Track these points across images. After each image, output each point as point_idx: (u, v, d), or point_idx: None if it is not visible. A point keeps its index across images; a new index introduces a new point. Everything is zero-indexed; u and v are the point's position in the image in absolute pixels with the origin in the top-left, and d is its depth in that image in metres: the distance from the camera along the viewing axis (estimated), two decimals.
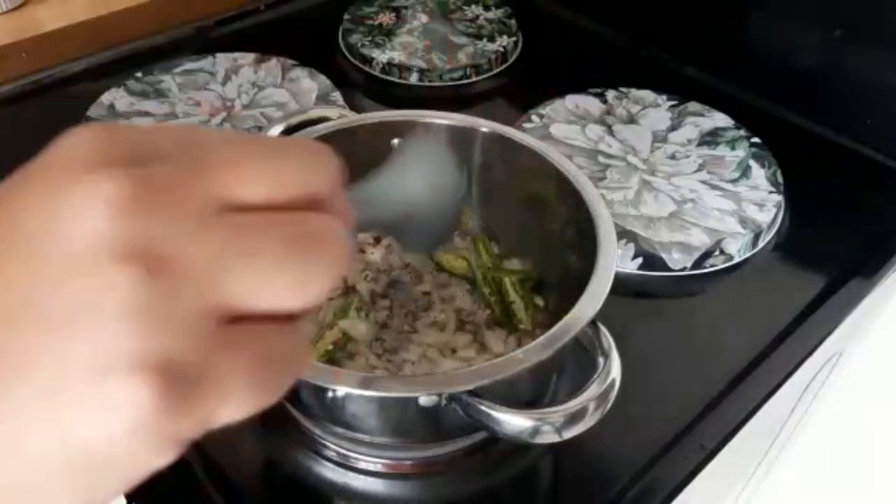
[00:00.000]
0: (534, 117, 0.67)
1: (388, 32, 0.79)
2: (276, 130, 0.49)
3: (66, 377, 0.16)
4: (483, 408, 0.34)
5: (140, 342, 0.17)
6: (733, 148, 0.64)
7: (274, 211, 0.19)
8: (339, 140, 0.49)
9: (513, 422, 0.34)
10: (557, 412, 0.34)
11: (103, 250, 0.17)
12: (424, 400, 0.35)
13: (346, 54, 0.78)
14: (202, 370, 0.18)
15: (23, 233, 0.17)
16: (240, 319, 0.18)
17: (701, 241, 0.55)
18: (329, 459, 0.44)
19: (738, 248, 0.55)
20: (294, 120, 0.50)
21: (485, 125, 0.49)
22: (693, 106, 0.69)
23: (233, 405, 0.18)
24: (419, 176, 0.39)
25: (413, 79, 0.74)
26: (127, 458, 0.18)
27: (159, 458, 0.18)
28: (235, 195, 0.18)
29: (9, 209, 0.17)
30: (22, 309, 0.17)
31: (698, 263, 0.55)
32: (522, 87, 0.75)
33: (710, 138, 0.65)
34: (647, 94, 0.70)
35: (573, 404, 0.34)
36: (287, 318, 0.19)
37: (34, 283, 0.17)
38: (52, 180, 0.17)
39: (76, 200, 0.17)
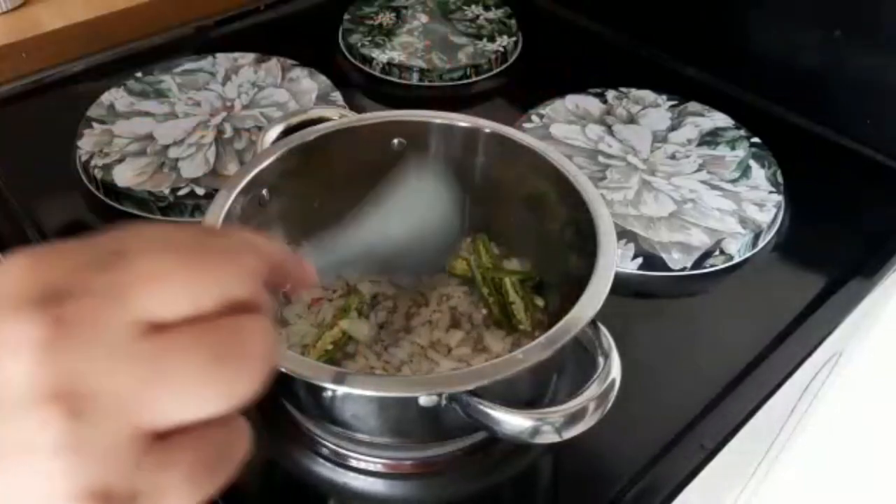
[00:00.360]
0: (534, 117, 0.67)
1: (388, 32, 0.79)
2: (275, 130, 0.49)
3: None
4: (483, 408, 0.34)
5: (75, 478, 0.18)
6: (733, 148, 0.64)
7: (196, 323, 0.19)
8: (339, 140, 0.49)
9: (513, 422, 0.34)
10: (557, 412, 0.34)
11: (30, 393, 0.17)
12: (424, 400, 0.35)
13: (346, 54, 0.78)
14: (140, 489, 0.18)
15: None
16: (173, 431, 0.19)
17: (701, 241, 0.55)
18: (329, 459, 0.44)
19: (738, 248, 0.55)
20: (294, 120, 0.50)
21: (485, 125, 0.49)
22: (693, 106, 0.69)
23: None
24: (410, 214, 0.39)
25: (413, 79, 0.74)
26: None
27: None
28: (156, 315, 0.19)
29: None
30: None
31: (698, 263, 0.55)
32: (522, 87, 0.75)
33: (710, 138, 0.65)
34: (647, 94, 0.70)
35: (573, 404, 0.34)
36: (226, 424, 0.20)
37: None
38: None
39: (2, 347, 0.18)
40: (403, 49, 0.76)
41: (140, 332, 0.19)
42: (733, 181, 0.61)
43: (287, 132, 0.49)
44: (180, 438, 0.19)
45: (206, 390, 0.19)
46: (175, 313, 0.19)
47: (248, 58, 0.74)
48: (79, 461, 0.18)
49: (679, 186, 0.60)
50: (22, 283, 0.19)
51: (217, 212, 0.42)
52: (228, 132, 0.64)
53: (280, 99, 0.69)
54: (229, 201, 0.42)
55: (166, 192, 0.58)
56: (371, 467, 0.43)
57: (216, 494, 0.20)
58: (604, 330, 0.38)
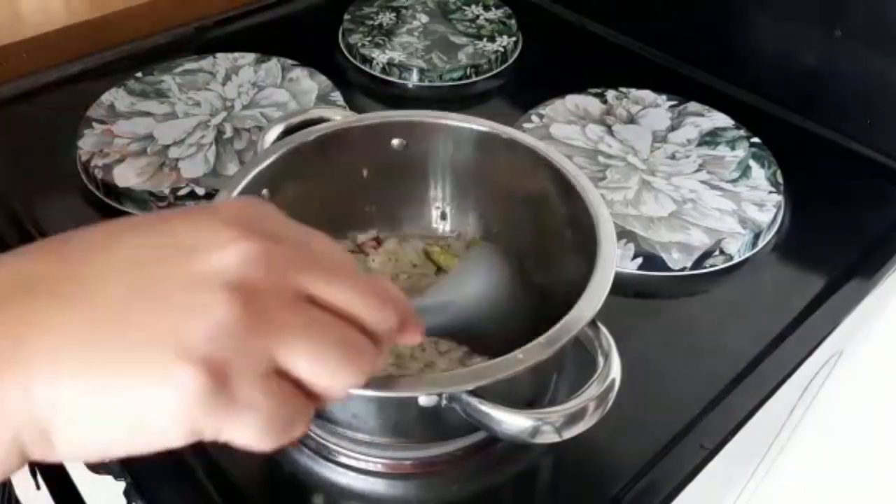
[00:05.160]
0: (534, 117, 0.67)
1: (388, 32, 0.79)
2: (276, 130, 0.49)
3: (146, 346, 0.22)
4: (483, 408, 0.34)
5: (217, 339, 0.22)
6: (733, 148, 0.64)
7: (337, 315, 0.26)
8: (339, 140, 0.49)
9: (513, 422, 0.34)
10: (557, 412, 0.34)
11: (225, 277, 0.23)
12: (424, 400, 0.35)
13: (346, 54, 0.78)
14: (240, 391, 0.23)
15: (176, 241, 0.24)
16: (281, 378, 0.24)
17: (701, 241, 0.55)
18: (329, 459, 0.44)
19: (738, 248, 0.55)
20: (294, 120, 0.50)
21: (485, 125, 0.49)
22: (693, 106, 0.69)
23: (242, 430, 0.23)
24: (477, 284, 0.43)
25: (413, 79, 0.74)
26: (161, 426, 0.22)
27: (173, 440, 0.23)
28: (320, 293, 0.25)
29: (177, 221, 0.25)
30: (144, 286, 0.23)
31: (698, 263, 0.55)
32: (522, 87, 0.75)
33: (710, 138, 0.65)
34: (647, 94, 0.70)
35: (573, 404, 0.34)
36: (310, 398, 0.25)
37: (165, 274, 0.23)
38: (216, 221, 0.25)
39: (224, 240, 0.24)
40: (403, 49, 0.76)
41: (307, 296, 0.25)
42: (733, 181, 0.61)
43: (287, 132, 0.49)
44: (284, 387, 0.24)
45: (325, 361, 0.24)
46: (333, 300, 0.26)
47: (248, 58, 0.74)
48: (224, 336, 0.23)
49: (679, 186, 0.60)
50: (254, 212, 0.26)
51: None
52: (228, 132, 0.64)
53: (280, 99, 0.69)
54: None
55: (166, 192, 0.58)
56: (371, 467, 0.43)
57: (265, 450, 0.24)
58: (604, 330, 0.37)
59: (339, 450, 0.43)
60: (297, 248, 0.26)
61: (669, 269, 0.54)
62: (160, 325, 0.23)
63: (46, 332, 0.22)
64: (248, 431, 0.23)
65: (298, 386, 0.25)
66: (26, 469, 0.59)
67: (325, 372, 0.25)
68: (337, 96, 0.69)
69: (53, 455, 0.23)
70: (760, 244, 0.57)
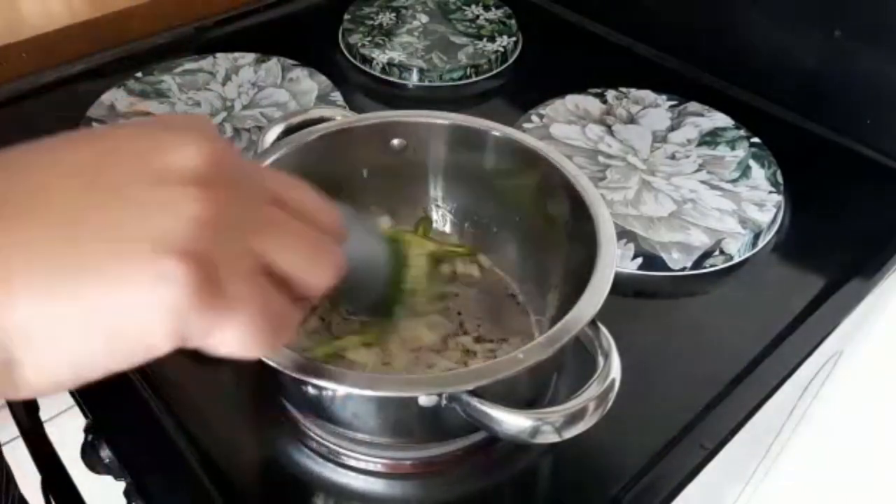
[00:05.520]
0: (534, 117, 0.67)
1: (388, 32, 0.79)
2: (275, 130, 0.49)
3: (119, 246, 0.21)
4: (483, 408, 0.34)
5: (196, 231, 0.21)
6: (733, 148, 0.64)
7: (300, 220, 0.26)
8: (338, 140, 0.49)
9: (513, 422, 0.34)
10: (557, 412, 0.34)
11: (190, 173, 0.22)
12: (424, 400, 0.35)
13: (346, 54, 0.78)
14: (228, 286, 0.22)
15: (130, 145, 0.23)
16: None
17: (701, 241, 0.55)
18: (329, 459, 0.44)
19: (738, 248, 0.55)
20: (294, 120, 0.50)
21: (485, 125, 0.49)
22: (693, 106, 0.69)
23: (232, 329, 0.23)
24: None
25: (413, 79, 0.74)
26: (144, 329, 0.21)
27: (157, 344, 0.22)
28: (281, 195, 0.26)
29: (122, 129, 0.24)
30: (102, 187, 0.22)
31: (698, 263, 0.55)
32: (522, 87, 0.75)
33: (710, 138, 0.65)
34: (647, 94, 0.70)
35: (573, 404, 0.34)
36: (297, 300, 0.25)
37: (123, 175, 0.22)
38: (164, 125, 0.24)
39: (181, 140, 0.23)
40: (403, 49, 0.76)
41: (272, 199, 0.25)
42: (733, 181, 0.61)
43: (287, 132, 0.49)
44: (270, 283, 0.24)
45: (302, 255, 0.25)
46: (296, 202, 0.26)
47: (248, 58, 0.74)
48: (205, 227, 0.22)
49: (679, 186, 0.60)
50: (212, 128, 0.25)
51: None
52: (228, 132, 0.64)
53: (280, 99, 0.69)
54: None
55: None
56: (371, 467, 0.43)
57: (255, 353, 0.24)
58: (604, 330, 0.38)
59: (339, 450, 0.43)
60: (253, 168, 0.27)
61: (669, 269, 0.54)
62: (130, 225, 0.21)
63: (8, 237, 0.20)
64: (238, 331, 0.23)
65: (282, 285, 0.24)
66: (27, 471, 0.59)
67: (305, 264, 0.25)
68: (337, 96, 0.69)
69: (20, 387, 0.21)
70: (760, 244, 0.57)
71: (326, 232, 0.27)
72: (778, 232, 0.59)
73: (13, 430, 0.61)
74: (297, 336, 0.46)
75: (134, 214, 0.21)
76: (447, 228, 0.54)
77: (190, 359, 0.49)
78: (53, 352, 0.21)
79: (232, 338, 0.23)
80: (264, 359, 0.35)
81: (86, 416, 0.50)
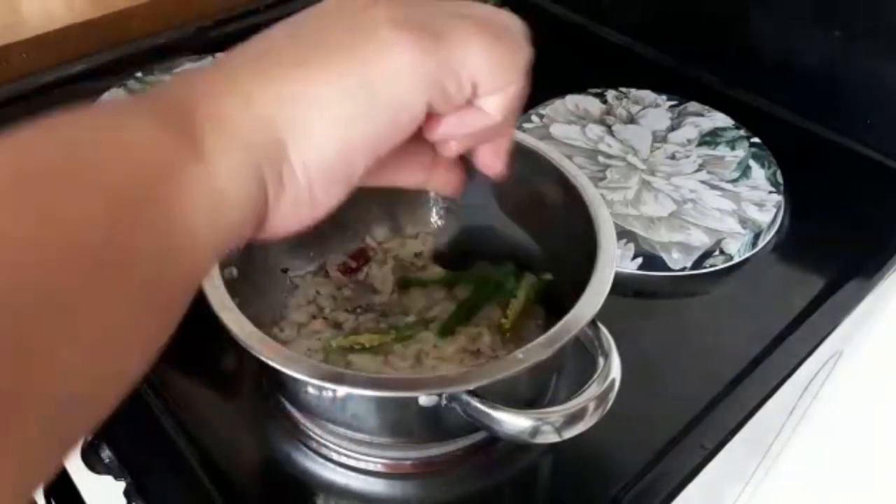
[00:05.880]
0: (534, 117, 0.67)
1: None
2: None
3: (353, 37, 0.25)
4: (483, 408, 0.34)
5: (390, 11, 0.26)
6: (733, 148, 0.64)
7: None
8: None
9: (513, 422, 0.34)
10: (557, 412, 0.34)
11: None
12: (424, 400, 0.35)
13: None
14: (443, 30, 0.26)
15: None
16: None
17: (701, 241, 0.55)
18: (329, 459, 0.44)
19: (737, 248, 0.55)
20: None
21: None
22: (693, 106, 0.69)
23: (468, 51, 0.27)
24: None
25: None
26: (400, 93, 0.25)
27: (422, 96, 0.26)
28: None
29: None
30: (331, 23, 0.27)
31: (698, 263, 0.55)
32: None
33: (710, 138, 0.65)
34: (647, 94, 0.70)
35: (573, 404, 0.34)
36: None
37: (342, 16, 0.27)
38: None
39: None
40: None
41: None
42: (733, 181, 0.61)
43: None
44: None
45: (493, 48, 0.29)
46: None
47: None
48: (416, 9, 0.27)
49: (679, 186, 0.60)
50: None
51: None
52: None
53: None
54: None
55: None
56: (371, 467, 0.43)
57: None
58: (604, 330, 0.37)
59: (339, 450, 0.43)
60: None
61: (669, 269, 0.54)
62: (362, 26, 0.26)
63: (256, 55, 0.26)
64: (475, 46, 0.27)
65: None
66: None
67: (494, 53, 0.29)
68: None
69: (299, 165, 0.24)
70: (760, 244, 0.57)
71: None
72: (778, 232, 0.59)
73: None
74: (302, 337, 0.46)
75: (360, 27, 0.26)
76: (447, 229, 0.54)
77: (190, 358, 0.49)
78: (323, 125, 0.24)
79: (474, 59, 0.27)
80: (264, 359, 0.35)
81: None
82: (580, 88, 0.70)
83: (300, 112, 0.24)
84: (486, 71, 0.28)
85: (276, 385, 0.45)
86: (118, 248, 0.20)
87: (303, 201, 0.25)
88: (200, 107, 0.23)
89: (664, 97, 0.70)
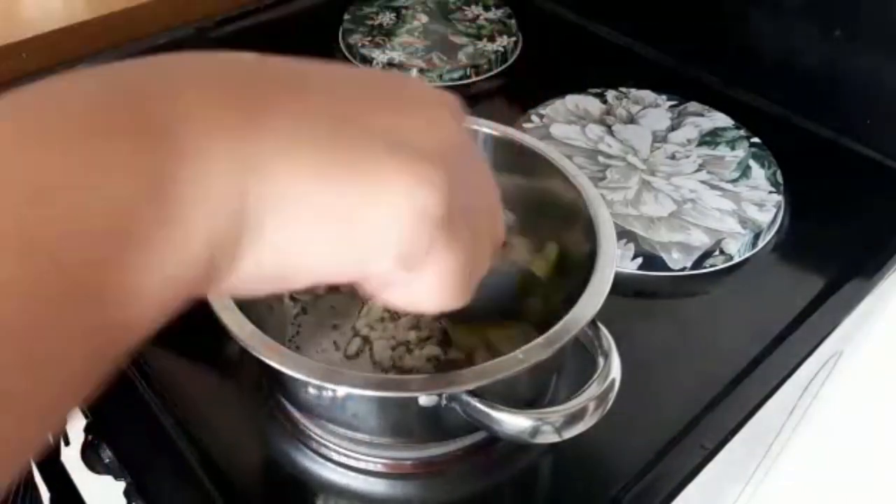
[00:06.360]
0: (534, 117, 0.67)
1: (388, 32, 0.79)
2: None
3: (389, 146, 0.21)
4: (483, 408, 0.34)
5: (446, 155, 0.22)
6: (733, 148, 0.64)
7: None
8: None
9: (513, 422, 0.34)
10: (557, 412, 0.34)
11: (451, 107, 0.25)
12: (424, 400, 0.35)
13: (346, 54, 0.78)
14: (456, 219, 0.23)
15: (407, 90, 0.25)
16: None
17: (701, 241, 0.55)
18: (329, 459, 0.44)
19: (738, 248, 0.55)
20: None
21: (485, 125, 0.49)
22: (693, 106, 0.69)
23: (445, 262, 0.23)
24: None
25: None
26: (379, 230, 0.21)
27: (390, 256, 0.22)
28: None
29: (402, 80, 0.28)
30: (378, 94, 0.23)
31: (698, 263, 0.55)
32: (522, 87, 0.75)
33: (710, 138, 0.65)
34: (647, 94, 0.70)
35: (573, 404, 0.34)
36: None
37: (396, 88, 0.24)
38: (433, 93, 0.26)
39: (445, 103, 0.26)
40: (403, 49, 0.76)
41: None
42: (733, 181, 0.61)
43: None
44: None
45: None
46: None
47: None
48: (453, 147, 0.24)
49: (679, 186, 0.60)
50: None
51: None
52: None
53: None
54: None
55: None
56: (371, 467, 0.43)
57: (456, 299, 0.25)
58: (604, 330, 0.38)
59: (339, 450, 0.43)
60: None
61: (669, 269, 0.54)
62: (401, 129, 0.22)
63: (280, 111, 0.20)
64: (451, 265, 0.23)
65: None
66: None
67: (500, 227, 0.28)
68: None
69: (238, 267, 0.20)
70: (760, 244, 0.57)
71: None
72: (778, 232, 0.59)
73: None
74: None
75: (406, 123, 0.22)
76: None
77: (190, 358, 0.49)
78: (279, 234, 0.20)
79: (439, 271, 0.23)
80: (264, 359, 0.35)
81: (86, 416, 0.50)
82: (580, 88, 0.70)
83: (279, 215, 0.20)
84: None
85: (276, 385, 0.45)
86: (49, 327, 0.17)
87: (250, 284, 0.22)
88: (188, 160, 0.19)
89: (664, 97, 0.70)
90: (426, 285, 0.24)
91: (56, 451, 0.57)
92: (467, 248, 0.24)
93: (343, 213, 0.21)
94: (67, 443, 0.57)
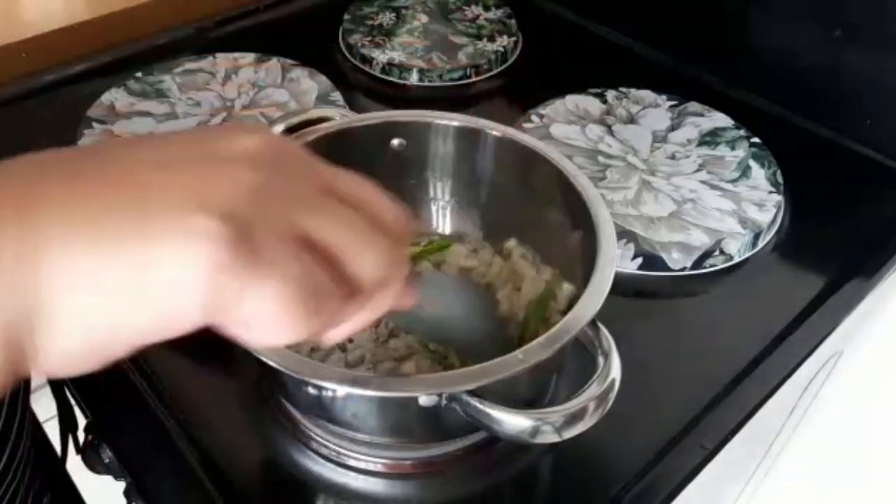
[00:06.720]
0: (534, 117, 0.67)
1: (388, 32, 0.79)
2: (275, 130, 0.49)
3: (166, 204, 0.21)
4: (483, 408, 0.34)
5: (236, 202, 0.22)
6: (733, 148, 0.64)
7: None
8: (339, 140, 0.49)
9: (513, 422, 0.34)
10: (557, 412, 0.34)
11: (250, 155, 0.24)
12: (424, 400, 0.35)
13: (346, 54, 0.78)
14: (264, 249, 0.22)
15: (201, 135, 0.25)
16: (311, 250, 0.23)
17: (701, 241, 0.55)
18: (329, 459, 0.44)
19: (737, 248, 0.55)
20: (294, 120, 0.50)
21: (485, 125, 0.49)
22: (693, 106, 0.69)
23: (264, 298, 0.22)
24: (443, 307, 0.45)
25: (413, 79, 0.74)
26: (173, 287, 0.21)
27: (188, 313, 0.21)
28: (341, 189, 0.25)
29: (203, 131, 0.28)
30: (166, 158, 0.23)
31: (698, 263, 0.55)
32: (522, 87, 0.75)
33: (710, 138, 0.65)
34: (647, 94, 0.70)
35: (573, 404, 0.34)
36: (345, 291, 0.25)
37: (187, 151, 0.23)
38: (242, 127, 0.26)
39: (245, 136, 0.24)
40: (403, 49, 0.76)
41: (329, 190, 0.25)
42: (733, 181, 0.61)
43: (287, 132, 0.49)
44: (312, 258, 0.23)
45: (343, 231, 0.24)
46: (357, 199, 0.26)
47: (248, 58, 0.74)
48: (248, 198, 0.22)
49: (679, 186, 0.60)
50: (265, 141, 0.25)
51: None
52: None
53: (280, 99, 0.69)
54: None
55: None
56: (371, 467, 0.43)
57: (285, 336, 0.23)
58: (604, 330, 0.38)
59: (339, 450, 0.43)
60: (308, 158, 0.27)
61: (669, 269, 0.54)
62: (181, 188, 0.22)
63: (49, 198, 0.21)
64: (271, 300, 0.22)
65: (326, 265, 0.24)
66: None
67: (351, 244, 0.24)
68: (337, 96, 0.69)
69: (44, 349, 0.20)
70: (760, 244, 0.57)
71: (388, 231, 0.26)
72: (778, 232, 0.59)
73: None
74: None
75: (188, 181, 0.22)
76: (447, 229, 0.54)
77: (190, 358, 0.49)
78: (83, 311, 0.20)
79: (263, 309, 0.22)
80: (264, 359, 0.35)
81: (86, 416, 0.50)
82: (580, 88, 0.70)
83: (71, 302, 0.20)
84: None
85: (276, 385, 0.45)
86: None
87: (74, 361, 0.22)
88: None
89: (664, 97, 0.70)
90: (262, 321, 0.23)
91: (63, 461, 0.57)
92: (291, 270, 0.22)
93: (131, 283, 0.21)
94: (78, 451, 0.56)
